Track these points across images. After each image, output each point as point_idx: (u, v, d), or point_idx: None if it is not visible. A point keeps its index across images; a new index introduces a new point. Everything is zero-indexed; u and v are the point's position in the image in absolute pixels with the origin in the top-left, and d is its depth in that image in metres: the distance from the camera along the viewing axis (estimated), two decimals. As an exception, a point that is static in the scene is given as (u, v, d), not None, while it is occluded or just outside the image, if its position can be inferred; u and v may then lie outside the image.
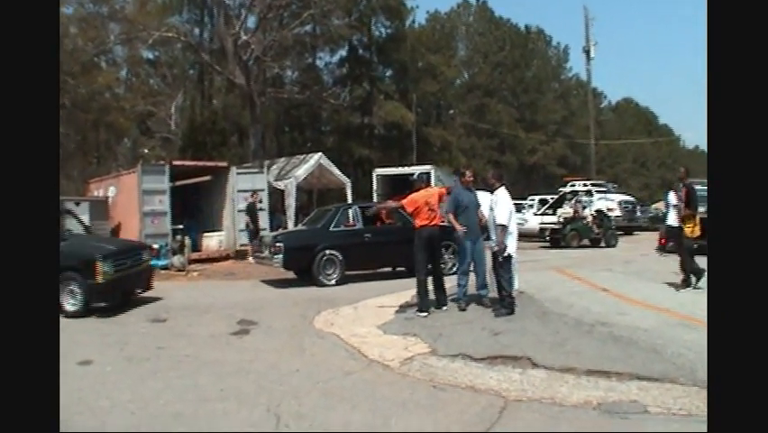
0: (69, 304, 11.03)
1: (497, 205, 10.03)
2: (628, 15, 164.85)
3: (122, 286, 11.77)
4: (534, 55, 69.36)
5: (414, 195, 10.93)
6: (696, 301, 10.92)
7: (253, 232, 20.06)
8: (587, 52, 47.56)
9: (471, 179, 11.09)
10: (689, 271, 12.39)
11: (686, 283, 12.32)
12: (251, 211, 20.86)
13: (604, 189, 34.70)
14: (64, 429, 4.27)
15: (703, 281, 11.73)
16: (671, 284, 12.48)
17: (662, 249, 15.90)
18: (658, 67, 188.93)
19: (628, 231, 32.28)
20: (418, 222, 10.68)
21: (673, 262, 13.07)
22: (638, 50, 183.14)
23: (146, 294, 12.81)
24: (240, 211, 21.16)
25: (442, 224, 11.01)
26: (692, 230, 12.30)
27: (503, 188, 10.27)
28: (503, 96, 61.92)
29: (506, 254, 9.99)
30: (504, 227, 9.92)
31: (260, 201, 21.48)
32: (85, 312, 11.03)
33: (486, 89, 60.54)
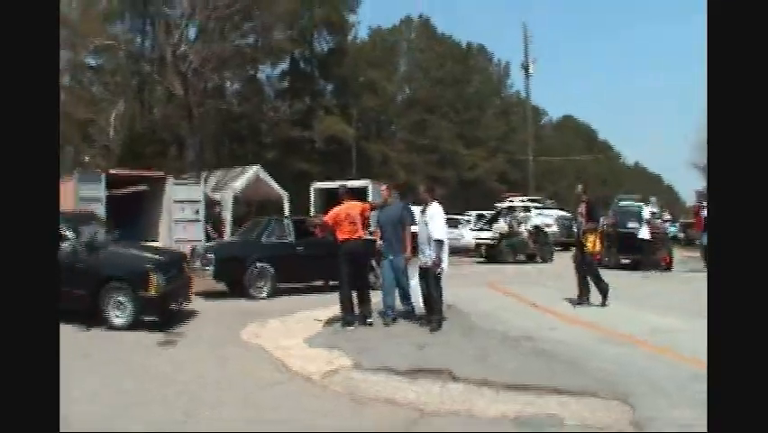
0: (116, 317, 10.50)
1: (432, 220, 9.95)
2: (570, 33, 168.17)
3: (172, 298, 11.27)
4: (475, 71, 69.75)
5: (335, 208, 10.90)
6: (622, 316, 11.14)
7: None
8: (525, 69, 48.31)
9: (386, 195, 11.03)
10: (598, 288, 12.38)
11: (584, 299, 12.41)
12: (215, 221, 21.33)
13: (542, 205, 35.02)
14: (64, 429, 4.19)
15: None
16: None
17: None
18: (599, 84, 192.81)
19: (566, 247, 32.65)
20: (340, 236, 10.64)
21: (612, 277, 13.20)
22: (579, 67, 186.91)
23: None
24: (177, 221, 21.04)
25: (367, 238, 10.98)
26: (594, 245, 12.38)
27: (436, 203, 10.25)
28: (444, 111, 62.02)
29: (439, 270, 9.97)
30: (441, 242, 9.91)
31: (219, 212, 22.42)
32: (133, 325, 10.47)
33: (426, 105, 60.66)
